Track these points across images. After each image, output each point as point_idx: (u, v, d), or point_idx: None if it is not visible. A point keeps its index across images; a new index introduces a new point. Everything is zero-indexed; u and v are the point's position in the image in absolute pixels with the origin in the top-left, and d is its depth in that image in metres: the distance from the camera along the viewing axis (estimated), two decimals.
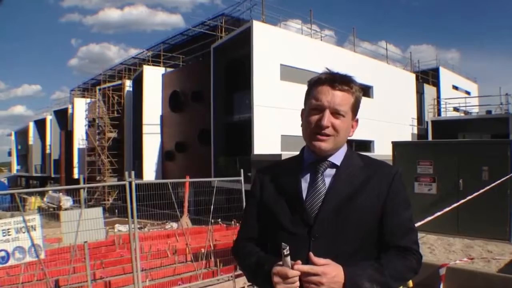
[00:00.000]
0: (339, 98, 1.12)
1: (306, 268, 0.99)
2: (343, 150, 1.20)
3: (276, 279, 1.03)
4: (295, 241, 1.09)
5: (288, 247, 1.01)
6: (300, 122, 1.22)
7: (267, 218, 1.20)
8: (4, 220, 3.49)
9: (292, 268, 1.01)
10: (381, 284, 1.02)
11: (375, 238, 1.13)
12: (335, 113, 1.12)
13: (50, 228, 9.23)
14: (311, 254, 1.01)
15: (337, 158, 1.18)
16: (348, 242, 1.09)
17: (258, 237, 1.23)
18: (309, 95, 1.18)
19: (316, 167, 1.17)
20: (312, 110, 1.14)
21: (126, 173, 4.36)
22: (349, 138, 1.20)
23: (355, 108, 1.18)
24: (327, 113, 1.11)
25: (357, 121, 1.22)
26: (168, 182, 5.41)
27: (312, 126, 1.13)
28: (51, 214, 12.99)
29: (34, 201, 22.32)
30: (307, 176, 1.18)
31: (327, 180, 1.15)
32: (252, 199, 1.27)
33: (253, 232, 1.24)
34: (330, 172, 1.17)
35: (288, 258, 1.02)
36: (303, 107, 1.22)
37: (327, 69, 1.19)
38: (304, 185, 1.16)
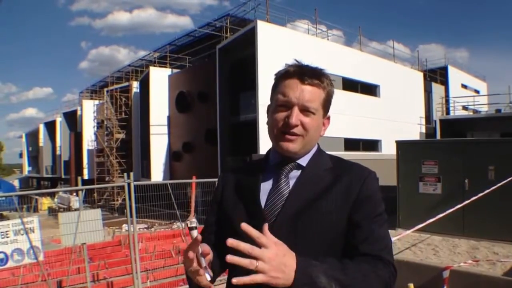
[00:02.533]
0: (309, 93, 1.01)
1: (255, 233, 0.80)
2: (312, 150, 1.10)
3: (184, 258, 0.92)
4: None
5: (195, 220, 0.91)
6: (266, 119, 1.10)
7: (224, 222, 1.10)
8: (2, 222, 3.55)
9: (197, 238, 0.87)
10: (341, 284, 0.85)
11: (342, 246, 1.01)
12: (305, 110, 1.01)
13: (58, 228, 9.36)
14: (265, 225, 0.84)
15: (304, 159, 1.08)
16: (310, 249, 0.97)
17: (216, 244, 1.12)
18: (275, 90, 1.07)
19: (280, 169, 1.07)
20: (279, 106, 1.03)
21: (125, 175, 4.40)
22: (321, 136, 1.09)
23: (326, 104, 1.07)
24: (296, 110, 1.01)
25: (328, 118, 1.11)
26: (168, 183, 5.44)
27: (279, 125, 1.03)
28: None
29: (45, 202, 22.85)
30: (271, 178, 1.07)
31: (292, 183, 1.05)
32: (214, 203, 1.17)
33: (210, 238, 1.13)
34: (296, 174, 1.07)
35: (195, 232, 0.89)
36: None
37: (296, 60, 1.07)
38: (267, 187, 1.06)
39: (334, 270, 0.87)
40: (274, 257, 0.80)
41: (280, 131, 1.03)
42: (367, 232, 1.00)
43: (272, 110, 1.07)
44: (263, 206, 1.04)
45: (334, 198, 1.02)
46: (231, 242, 0.79)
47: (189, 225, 0.90)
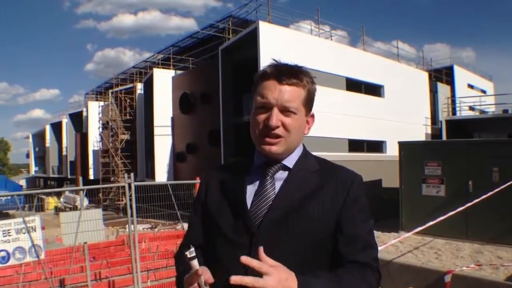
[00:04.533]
0: (287, 93, 1.00)
1: (256, 263, 0.81)
2: (298, 151, 1.09)
3: None
4: (235, 251, 0.98)
5: (193, 249, 0.88)
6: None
7: (208, 223, 1.10)
8: (4, 221, 3.60)
9: (197, 273, 0.88)
10: None
11: (329, 251, 1.00)
12: (285, 111, 1.00)
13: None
14: (260, 249, 0.84)
15: (290, 160, 1.07)
16: (296, 253, 0.97)
17: (202, 245, 1.12)
18: (255, 92, 1.06)
19: (265, 170, 1.06)
20: (259, 108, 1.02)
21: (126, 175, 4.43)
22: (305, 136, 1.08)
23: (308, 102, 1.05)
24: (275, 111, 0.99)
25: (312, 116, 1.10)
26: (168, 183, 5.46)
27: (260, 127, 1.01)
28: None
29: (51, 201, 23.11)
30: (256, 180, 1.06)
31: (278, 185, 1.04)
32: (197, 203, 1.16)
33: (197, 239, 1.12)
34: (282, 175, 1.05)
35: (195, 262, 0.88)
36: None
37: (274, 60, 1.07)
38: (252, 189, 1.05)
39: (330, 284, 0.89)
40: (277, 284, 0.82)
41: (261, 134, 1.02)
42: (355, 239, 1.00)
43: (252, 112, 1.06)
44: (249, 208, 1.03)
45: (321, 202, 1.01)
46: (234, 279, 0.81)
47: (188, 256, 0.87)
